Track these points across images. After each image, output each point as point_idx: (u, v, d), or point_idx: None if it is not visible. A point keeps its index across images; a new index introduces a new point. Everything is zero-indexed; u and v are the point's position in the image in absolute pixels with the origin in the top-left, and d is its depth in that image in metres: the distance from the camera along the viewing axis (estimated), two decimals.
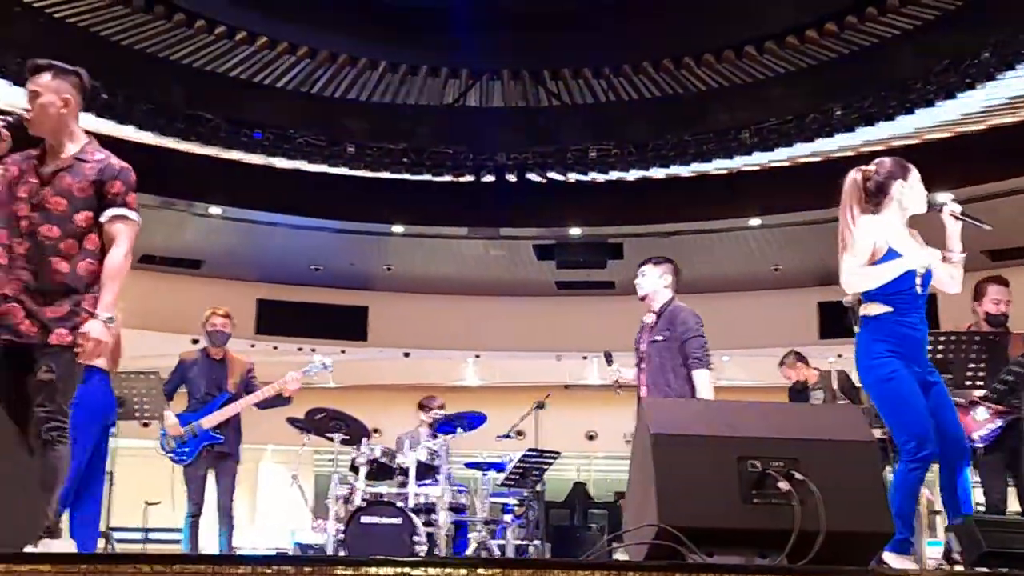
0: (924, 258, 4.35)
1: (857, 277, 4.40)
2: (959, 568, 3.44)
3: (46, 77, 3.96)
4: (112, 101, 11.23)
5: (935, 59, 10.74)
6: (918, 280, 4.39)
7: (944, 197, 4.55)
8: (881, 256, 4.40)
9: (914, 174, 4.52)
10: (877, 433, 6.94)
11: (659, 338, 5.92)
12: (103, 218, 3.94)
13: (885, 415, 4.39)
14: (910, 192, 4.49)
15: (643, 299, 6.15)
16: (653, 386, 5.86)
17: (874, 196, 4.53)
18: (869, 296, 4.43)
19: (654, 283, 6.09)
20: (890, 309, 4.35)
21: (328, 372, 8.03)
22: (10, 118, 3.91)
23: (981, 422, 5.94)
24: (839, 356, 9.16)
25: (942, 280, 4.51)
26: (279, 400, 7.33)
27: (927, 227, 4.60)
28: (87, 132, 4.12)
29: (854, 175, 4.58)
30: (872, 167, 4.59)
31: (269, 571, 2.87)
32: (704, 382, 5.81)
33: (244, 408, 7.18)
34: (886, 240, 4.40)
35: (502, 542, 8.77)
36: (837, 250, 4.55)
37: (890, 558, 4.19)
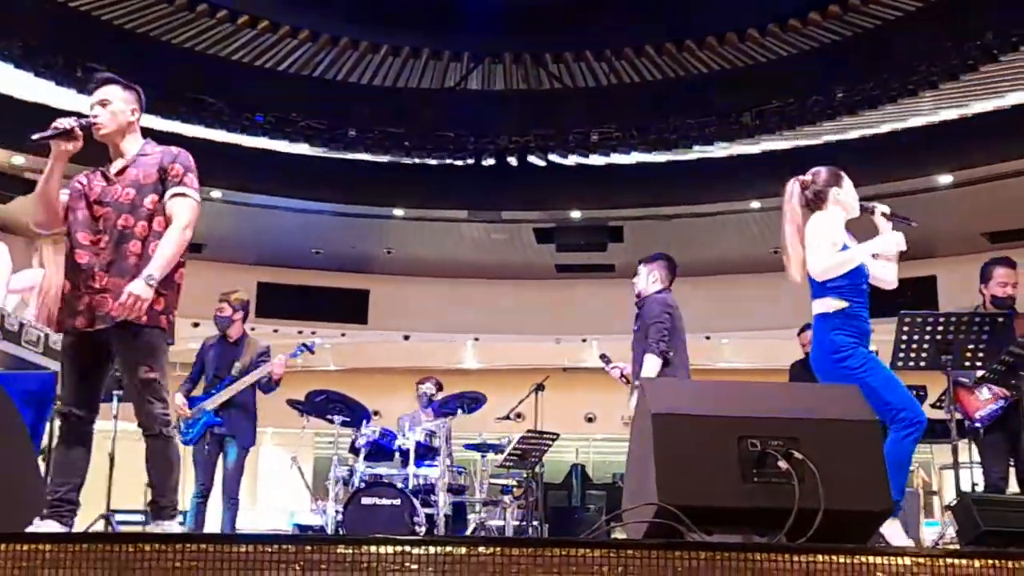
0: (896, 239, 4.61)
1: (837, 262, 4.49)
2: (956, 546, 3.46)
3: (116, 88, 4.33)
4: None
5: (938, 41, 10.70)
6: (868, 275, 4.56)
7: (875, 203, 4.82)
8: (840, 248, 4.52)
9: (847, 180, 4.72)
10: None
11: (635, 328, 6.41)
12: (165, 198, 4.20)
13: (874, 396, 4.42)
14: (845, 197, 4.68)
15: (637, 298, 6.56)
16: (634, 373, 6.34)
17: (813, 203, 4.70)
18: (822, 291, 4.51)
19: (644, 282, 6.56)
20: (846, 304, 4.46)
21: (313, 352, 8.05)
22: (83, 120, 4.18)
23: (983, 402, 5.95)
24: None
25: (878, 276, 4.66)
26: (269, 384, 7.31)
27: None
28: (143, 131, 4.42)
29: (792, 185, 4.76)
30: (809, 176, 4.78)
31: (271, 550, 2.89)
32: (649, 367, 6.14)
33: (235, 392, 7.15)
34: (842, 233, 4.57)
35: (501, 523, 8.83)
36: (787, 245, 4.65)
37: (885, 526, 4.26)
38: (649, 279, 6.54)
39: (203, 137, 12.16)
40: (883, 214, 4.75)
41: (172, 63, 11.90)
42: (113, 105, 4.28)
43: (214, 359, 7.31)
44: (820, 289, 4.50)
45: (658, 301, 6.38)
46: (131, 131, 4.34)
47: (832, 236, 4.52)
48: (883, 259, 4.66)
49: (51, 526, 3.92)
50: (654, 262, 6.60)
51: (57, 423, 4.16)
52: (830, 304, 4.47)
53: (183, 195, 4.21)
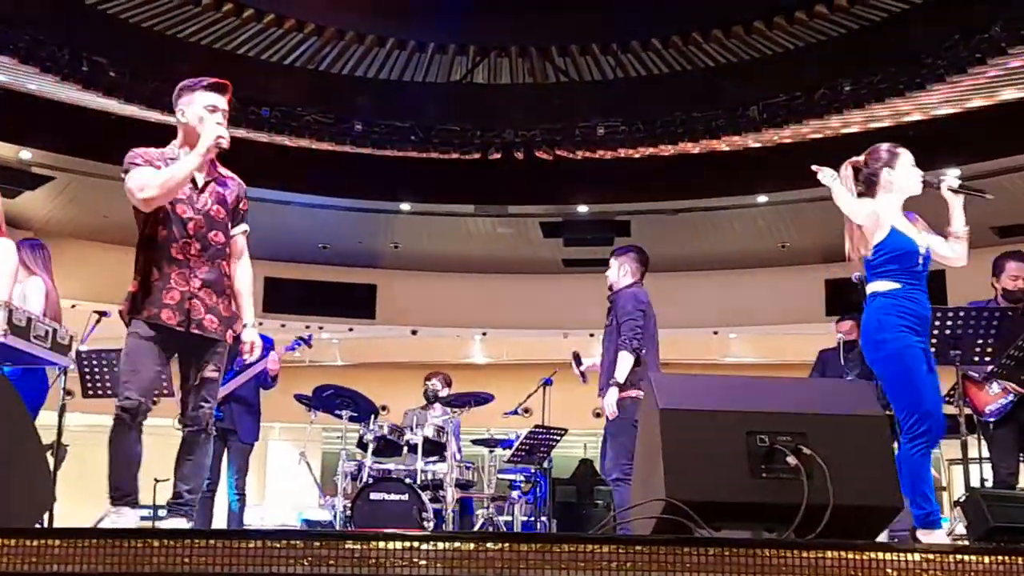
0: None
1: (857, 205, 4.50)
2: (965, 543, 3.45)
3: (226, 99, 4.36)
4: (119, 79, 11.23)
5: (945, 34, 10.66)
6: (920, 260, 4.41)
7: (944, 174, 4.57)
8: (884, 235, 4.42)
9: (903, 158, 4.54)
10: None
11: (608, 323, 6.36)
12: (234, 232, 4.36)
13: (890, 390, 4.39)
14: (899, 178, 4.52)
15: (609, 291, 6.52)
16: (604, 369, 6.29)
17: (866, 187, 4.59)
18: (876, 274, 4.44)
19: (615, 275, 6.50)
20: (898, 285, 4.36)
21: (311, 346, 8.05)
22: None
23: (993, 397, 5.93)
24: None
25: (945, 255, 4.52)
26: (266, 380, 7.32)
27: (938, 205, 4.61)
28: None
29: (844, 169, 4.65)
30: (862, 158, 4.65)
31: (279, 545, 2.89)
32: (624, 365, 6.11)
33: (234, 387, 7.17)
34: (890, 220, 4.44)
35: (509, 518, 8.83)
36: (844, 228, 4.59)
37: (921, 534, 4.22)
38: (620, 272, 6.47)
39: None
40: (950, 188, 4.51)
41: (177, 57, 11.90)
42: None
43: None
44: (872, 272, 4.45)
45: (630, 297, 6.32)
46: None
47: (869, 208, 4.47)
48: (952, 238, 4.49)
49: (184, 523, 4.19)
50: (625, 254, 6.54)
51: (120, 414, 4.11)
52: (881, 285, 4.40)
53: (248, 233, 4.41)
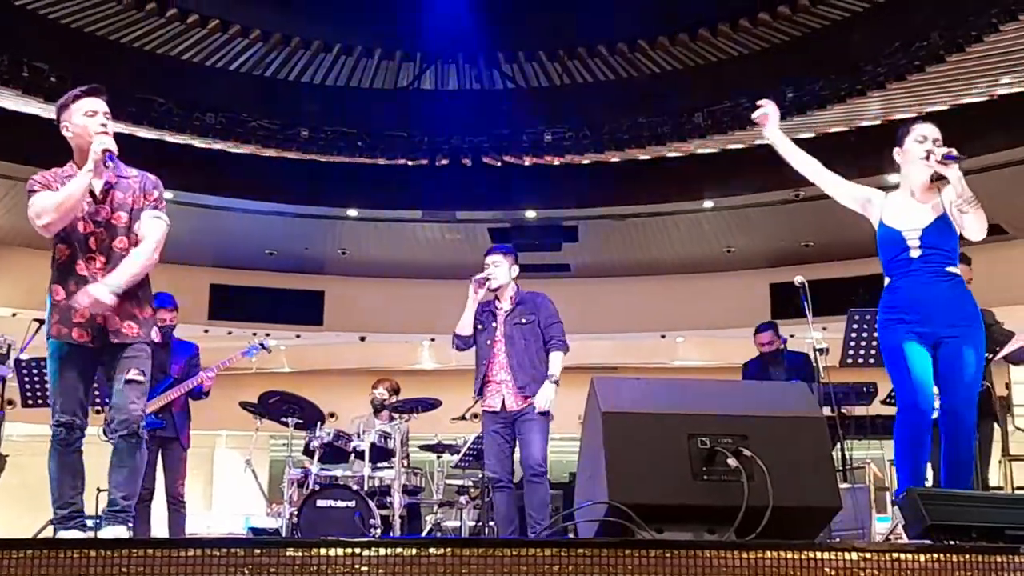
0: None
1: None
2: (903, 541, 3.50)
3: (104, 101, 4.35)
4: (60, 85, 11.03)
5: (886, 41, 10.82)
6: (912, 243, 4.39)
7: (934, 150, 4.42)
8: (877, 233, 4.53)
9: (913, 133, 4.52)
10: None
11: (523, 321, 6.28)
12: (142, 218, 4.30)
13: (892, 379, 4.47)
14: (903, 157, 4.55)
15: (497, 289, 6.42)
16: (518, 366, 6.19)
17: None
18: (883, 272, 4.53)
19: (507, 275, 6.40)
20: (890, 279, 4.46)
21: (269, 351, 7.99)
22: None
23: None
24: (791, 336, 9.24)
25: (961, 227, 4.42)
26: (200, 393, 7.21)
27: None
28: None
29: None
30: None
31: (219, 554, 2.87)
32: (559, 363, 6.22)
33: (175, 397, 7.07)
34: (880, 211, 4.51)
35: (457, 524, 8.80)
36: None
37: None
38: (511, 272, 6.43)
39: (153, 138, 12.03)
40: (937, 162, 4.37)
41: (120, 63, 11.74)
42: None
43: None
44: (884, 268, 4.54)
45: (549, 300, 6.41)
46: None
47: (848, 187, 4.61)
48: (960, 214, 4.36)
49: (75, 534, 4.08)
50: (510, 254, 6.49)
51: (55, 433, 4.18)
52: (885, 282, 4.50)
53: (158, 218, 4.33)
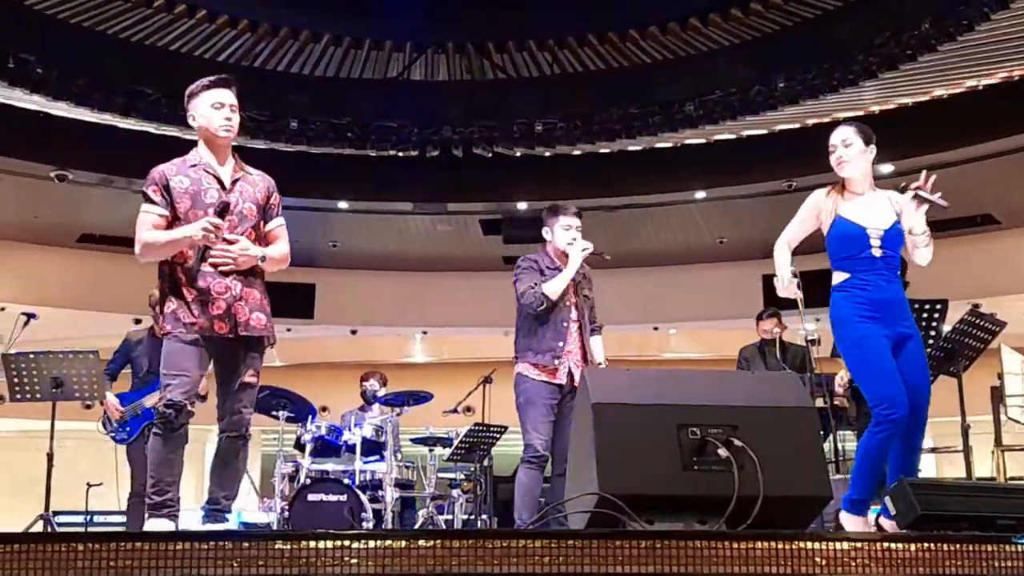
0: (781, 284, 4.48)
1: (777, 244, 4.60)
2: (893, 530, 3.49)
3: (233, 92, 4.38)
4: (46, 75, 10.98)
5: (877, 30, 10.81)
6: (874, 242, 4.36)
7: (916, 183, 4.43)
8: (830, 225, 4.45)
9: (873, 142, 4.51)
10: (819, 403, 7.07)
11: (589, 295, 5.80)
12: (270, 226, 4.41)
13: (857, 379, 4.43)
14: (870, 157, 4.52)
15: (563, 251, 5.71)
16: (585, 343, 5.66)
17: None
18: (833, 265, 4.46)
19: (562, 238, 5.74)
20: (848, 275, 4.36)
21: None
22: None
23: None
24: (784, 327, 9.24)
25: (910, 250, 4.47)
26: None
27: None
28: None
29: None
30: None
31: (207, 547, 2.85)
32: (602, 348, 5.75)
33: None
34: (834, 211, 4.43)
35: (449, 517, 8.80)
36: (781, 223, 4.64)
37: (844, 518, 4.24)
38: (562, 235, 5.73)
39: (141, 129, 11.97)
40: (912, 197, 4.39)
41: (108, 53, 11.66)
42: (237, 112, 4.39)
43: (144, 356, 7.23)
44: (832, 261, 4.48)
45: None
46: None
47: (798, 217, 4.55)
48: (910, 241, 4.41)
49: (164, 524, 4.09)
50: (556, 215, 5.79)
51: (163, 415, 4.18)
52: (835, 277, 4.43)
53: (283, 224, 4.46)
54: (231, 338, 4.19)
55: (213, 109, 4.27)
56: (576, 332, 5.66)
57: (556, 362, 5.54)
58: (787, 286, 4.48)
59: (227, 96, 4.32)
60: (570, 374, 5.54)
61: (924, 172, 4.46)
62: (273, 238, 4.39)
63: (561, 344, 5.58)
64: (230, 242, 4.18)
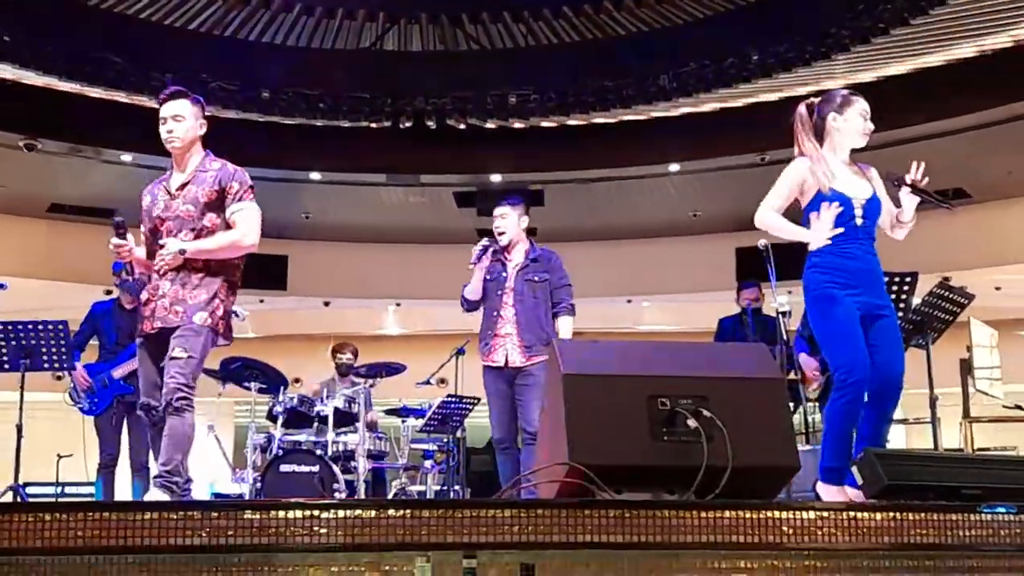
0: (821, 235, 4.33)
1: (762, 213, 4.50)
2: (860, 500, 3.53)
3: (187, 102, 4.67)
4: (12, 43, 10.82)
5: (850, 4, 10.81)
6: (858, 212, 4.36)
7: (908, 175, 4.46)
8: (811, 197, 4.41)
9: (855, 106, 4.49)
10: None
11: (536, 279, 6.14)
12: (228, 213, 4.61)
13: (820, 343, 4.44)
14: (844, 126, 4.47)
15: (507, 246, 6.26)
16: (526, 324, 6.02)
17: (817, 130, 4.53)
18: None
19: (515, 228, 6.30)
20: (828, 242, 4.33)
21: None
22: (119, 218, 4.64)
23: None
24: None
25: (886, 224, 4.53)
26: None
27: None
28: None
29: (800, 108, 4.59)
30: (818, 99, 4.59)
31: (176, 517, 2.83)
32: (568, 328, 6.12)
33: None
34: (818, 180, 4.39)
35: (423, 488, 8.83)
36: (754, 196, 4.61)
37: (821, 489, 4.27)
38: (521, 223, 6.31)
39: (109, 99, 11.83)
40: (913, 191, 4.44)
41: (77, 21, 11.49)
42: (187, 121, 4.62)
43: (113, 327, 7.20)
44: (806, 227, 4.43)
45: (560, 259, 6.29)
46: (194, 146, 4.69)
47: (783, 189, 4.46)
48: (899, 225, 4.50)
49: (158, 495, 4.36)
50: (520, 204, 6.37)
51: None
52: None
53: (244, 209, 4.61)
54: (155, 333, 4.56)
55: (161, 125, 4.64)
56: (513, 317, 6.05)
57: (486, 348, 6.10)
58: (822, 228, 4.33)
59: (165, 110, 4.64)
60: (507, 357, 6.00)
61: (914, 163, 4.47)
62: (232, 225, 4.61)
63: (491, 332, 6.09)
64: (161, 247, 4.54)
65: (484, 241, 6.30)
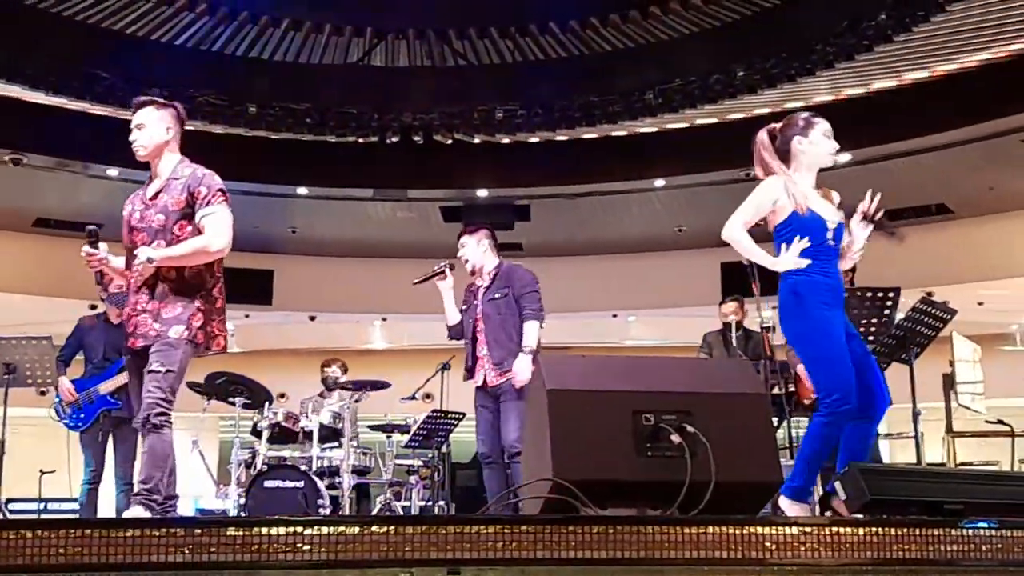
0: (787, 263, 4.31)
1: (731, 229, 4.44)
2: (842, 515, 3.54)
3: (151, 109, 4.69)
4: None
5: (835, 21, 10.88)
6: (829, 235, 4.37)
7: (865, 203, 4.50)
8: (784, 216, 4.38)
9: (818, 127, 4.49)
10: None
11: (497, 295, 6.28)
12: (197, 218, 4.54)
13: (810, 367, 4.41)
14: (811, 148, 4.46)
15: (473, 272, 6.47)
16: (494, 342, 6.20)
17: (782, 154, 4.51)
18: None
19: (477, 254, 6.43)
20: (808, 261, 4.29)
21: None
22: (92, 226, 4.63)
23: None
24: None
25: (843, 260, 4.51)
26: None
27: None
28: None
29: (760, 134, 4.57)
30: (780, 124, 4.58)
31: (159, 534, 2.83)
32: (534, 333, 6.17)
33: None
34: (794, 200, 4.36)
35: (407, 504, 8.80)
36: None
37: (784, 503, 4.25)
38: (480, 249, 6.43)
39: (98, 113, 11.81)
40: (862, 220, 4.47)
41: (63, 36, 11.46)
42: (148, 128, 4.61)
43: (99, 342, 7.17)
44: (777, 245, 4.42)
45: (526, 271, 6.41)
46: (167, 150, 4.67)
47: (752, 207, 4.43)
48: (848, 256, 4.50)
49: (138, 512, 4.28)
50: (480, 231, 6.51)
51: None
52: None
53: (213, 213, 4.56)
54: (141, 349, 4.52)
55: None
56: (484, 339, 6.26)
57: (470, 370, 6.34)
58: (790, 256, 4.30)
59: (134, 120, 4.66)
60: (484, 377, 6.23)
61: (869, 192, 4.48)
62: (202, 231, 4.56)
63: (472, 356, 6.33)
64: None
65: (440, 264, 6.51)
